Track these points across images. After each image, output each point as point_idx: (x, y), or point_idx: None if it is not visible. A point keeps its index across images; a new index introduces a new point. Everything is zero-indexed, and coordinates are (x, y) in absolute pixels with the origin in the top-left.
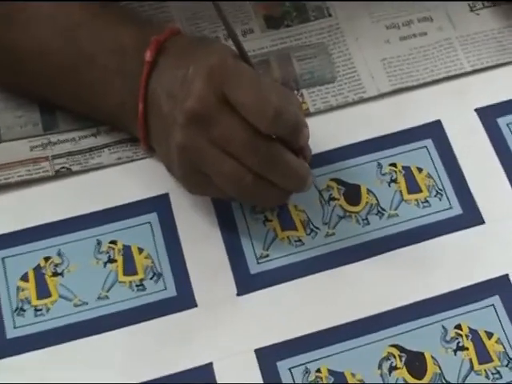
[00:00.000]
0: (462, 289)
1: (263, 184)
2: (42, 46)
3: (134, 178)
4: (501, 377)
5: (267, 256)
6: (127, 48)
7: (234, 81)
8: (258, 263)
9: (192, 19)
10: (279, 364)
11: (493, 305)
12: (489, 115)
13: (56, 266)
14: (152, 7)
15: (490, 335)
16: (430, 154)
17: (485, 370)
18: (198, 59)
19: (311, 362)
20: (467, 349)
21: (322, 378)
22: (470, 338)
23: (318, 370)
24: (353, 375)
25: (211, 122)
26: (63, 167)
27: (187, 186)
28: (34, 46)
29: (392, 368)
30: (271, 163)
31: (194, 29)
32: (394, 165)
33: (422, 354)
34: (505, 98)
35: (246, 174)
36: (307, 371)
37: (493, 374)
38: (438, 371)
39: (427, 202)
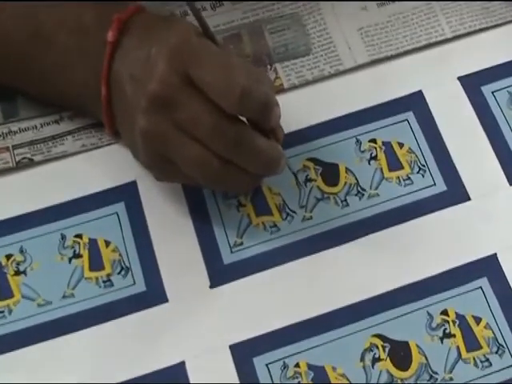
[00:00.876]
0: (448, 271)
1: (232, 169)
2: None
3: (99, 166)
4: (490, 364)
5: (241, 244)
6: (89, 27)
7: (197, 60)
8: (232, 252)
9: None
10: (256, 360)
11: (480, 287)
12: (472, 83)
13: (18, 264)
14: None
15: (478, 320)
16: (411, 127)
17: (473, 358)
18: (160, 39)
19: (289, 356)
20: (454, 336)
21: (300, 374)
22: (457, 323)
23: (297, 365)
24: (334, 369)
25: (175, 105)
26: (24, 158)
27: (154, 174)
28: None
29: (375, 360)
30: (239, 147)
31: (159, 3)
32: (373, 141)
33: (406, 344)
34: (489, 65)
35: (213, 158)
36: (285, 366)
37: (482, 361)
38: (424, 361)
39: (409, 179)
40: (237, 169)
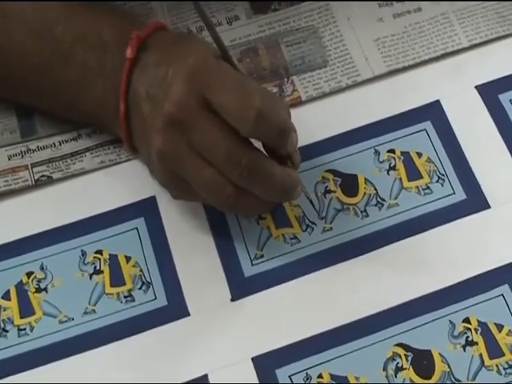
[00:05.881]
0: (469, 279)
1: (246, 195)
2: (17, 46)
3: (118, 182)
4: None
5: (262, 256)
6: (109, 43)
7: (213, 82)
8: (253, 265)
9: (174, 9)
10: (278, 372)
11: (502, 295)
12: (490, 92)
13: (39, 281)
14: None
15: (500, 327)
16: (429, 137)
17: (496, 365)
18: (178, 59)
19: (312, 367)
20: (477, 343)
21: None
22: (479, 331)
23: (320, 376)
24: (356, 379)
25: (190, 127)
26: (43, 175)
27: (171, 192)
28: (8, 46)
29: (398, 369)
30: (253, 175)
31: (176, 19)
32: (392, 151)
33: (429, 352)
34: (506, 73)
35: (226, 185)
36: (308, 377)
37: (505, 368)
38: (447, 369)
39: (429, 188)
40: (251, 195)
